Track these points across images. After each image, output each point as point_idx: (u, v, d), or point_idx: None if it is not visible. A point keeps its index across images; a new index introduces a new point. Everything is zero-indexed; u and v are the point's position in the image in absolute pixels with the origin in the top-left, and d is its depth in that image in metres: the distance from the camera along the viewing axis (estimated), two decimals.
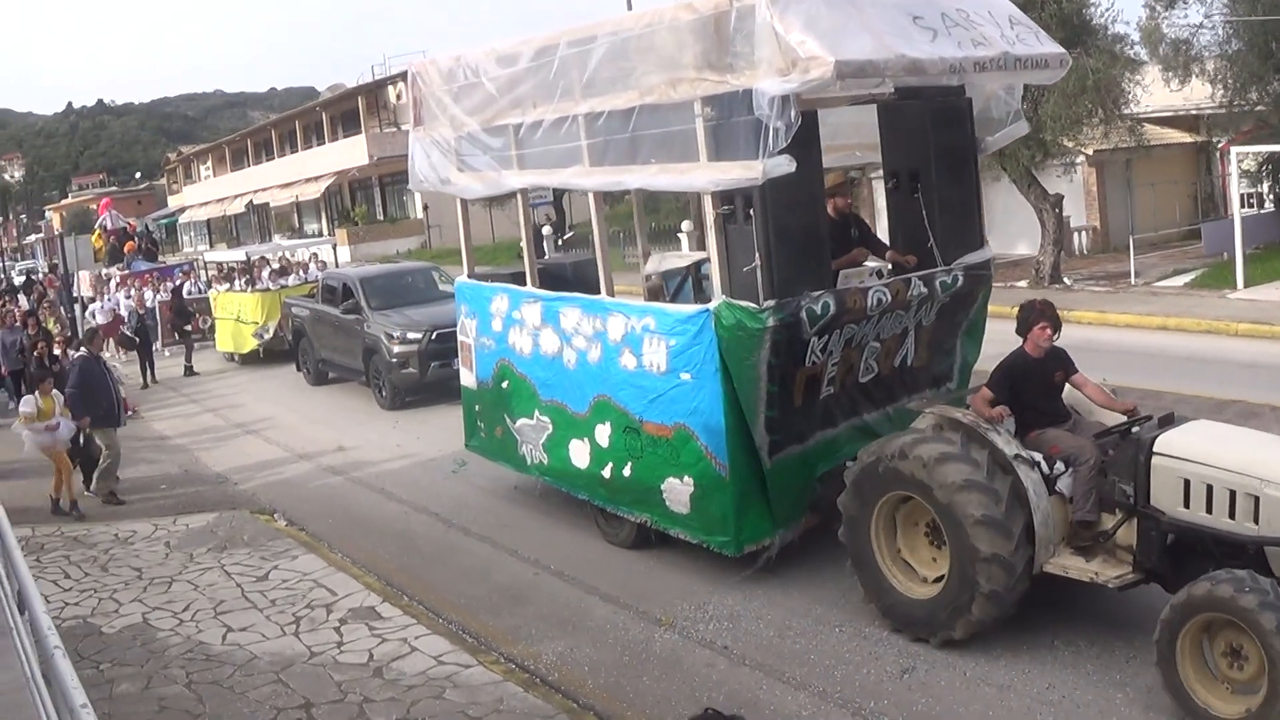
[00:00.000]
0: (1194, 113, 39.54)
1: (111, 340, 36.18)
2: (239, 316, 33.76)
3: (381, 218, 79.70)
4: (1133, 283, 31.43)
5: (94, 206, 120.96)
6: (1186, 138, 41.28)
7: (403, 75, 75.55)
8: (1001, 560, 10.20)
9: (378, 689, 11.10)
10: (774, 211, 11.46)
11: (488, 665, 11.45)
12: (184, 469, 21.43)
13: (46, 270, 73.34)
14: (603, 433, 13.95)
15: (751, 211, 11.51)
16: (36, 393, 18.95)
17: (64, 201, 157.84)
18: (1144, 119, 36.93)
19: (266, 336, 32.46)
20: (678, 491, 12.96)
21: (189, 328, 34.49)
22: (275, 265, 36.18)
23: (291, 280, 33.96)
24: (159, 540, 16.72)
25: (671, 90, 11.91)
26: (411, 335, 24.31)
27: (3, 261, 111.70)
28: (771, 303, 11.57)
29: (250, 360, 33.35)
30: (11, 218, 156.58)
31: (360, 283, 26.76)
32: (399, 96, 77.39)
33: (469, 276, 17.15)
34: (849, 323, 12.17)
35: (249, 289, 34.30)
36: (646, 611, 12.67)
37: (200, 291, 39.02)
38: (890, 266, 13.28)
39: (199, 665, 11.99)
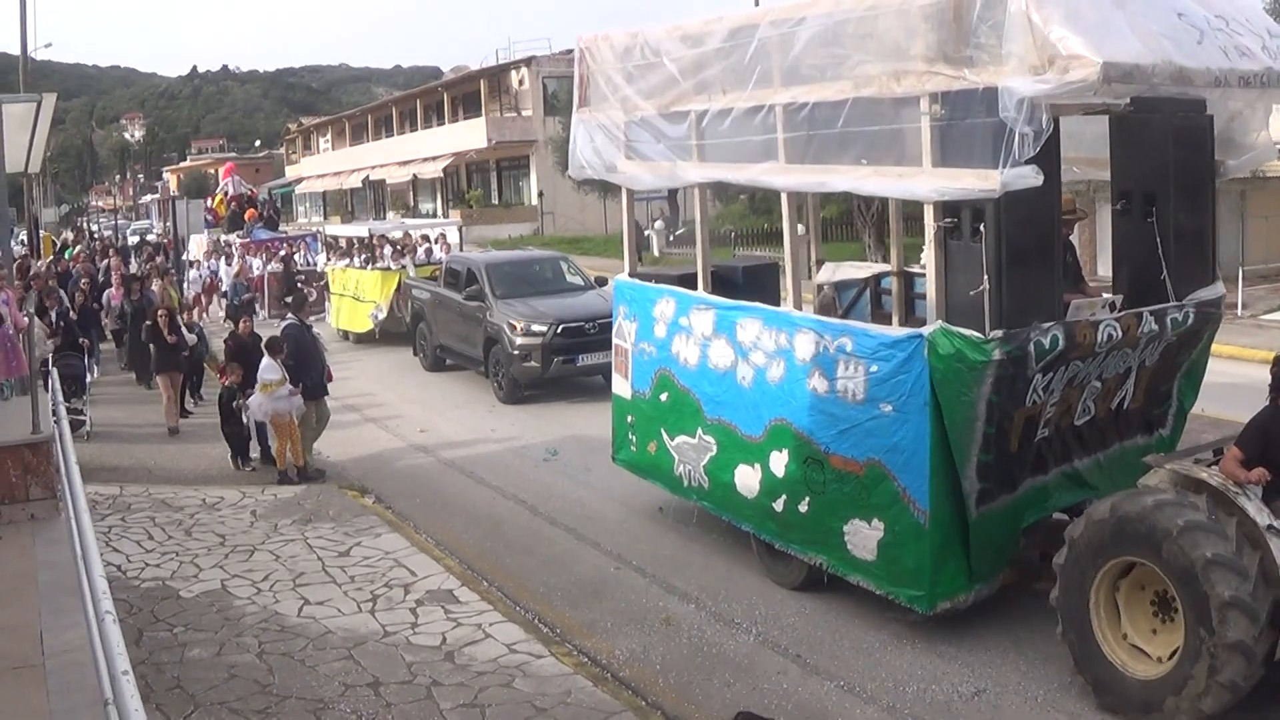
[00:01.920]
0: None
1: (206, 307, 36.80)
2: (356, 294, 33.38)
3: (496, 202, 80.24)
4: (1239, 314, 30.95)
5: (213, 171, 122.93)
6: None
7: (526, 61, 77.31)
8: (1243, 604, 8.98)
9: (447, 673, 11.10)
10: (1008, 229, 10.15)
11: (560, 657, 11.42)
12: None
13: (161, 233, 74.72)
14: (779, 461, 12.60)
15: (981, 227, 10.22)
16: (278, 360, 18.26)
17: (182, 164, 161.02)
18: None
19: (380, 317, 31.95)
20: (864, 535, 11.60)
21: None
22: (397, 246, 35.35)
23: (410, 262, 33.24)
24: (245, 508, 16.78)
25: (894, 83, 10.62)
26: (536, 327, 23.60)
27: (116, 220, 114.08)
28: (999, 333, 10.26)
29: (365, 340, 32.96)
30: (129, 177, 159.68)
31: (486, 269, 26.12)
32: (520, 82, 77.83)
33: (630, 275, 15.85)
34: (1075, 359, 10.90)
35: (369, 267, 33.56)
36: (723, 613, 12.60)
37: (310, 263, 39.10)
38: (1121, 298, 11.55)
39: (272, 636, 12.04)
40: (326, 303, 36.18)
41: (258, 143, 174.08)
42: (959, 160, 10.26)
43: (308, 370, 18.82)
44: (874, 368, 11.20)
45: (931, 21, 10.26)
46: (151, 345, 23.20)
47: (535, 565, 14.39)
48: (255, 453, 19.48)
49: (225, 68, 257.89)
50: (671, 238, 56.66)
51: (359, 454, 20.56)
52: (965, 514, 11.14)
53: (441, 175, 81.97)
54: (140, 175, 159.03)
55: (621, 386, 15.79)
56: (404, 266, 32.50)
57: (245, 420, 19.15)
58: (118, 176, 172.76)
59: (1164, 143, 11.50)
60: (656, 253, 55.36)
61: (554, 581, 13.78)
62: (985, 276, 10.22)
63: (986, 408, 10.60)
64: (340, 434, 21.99)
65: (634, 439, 15.51)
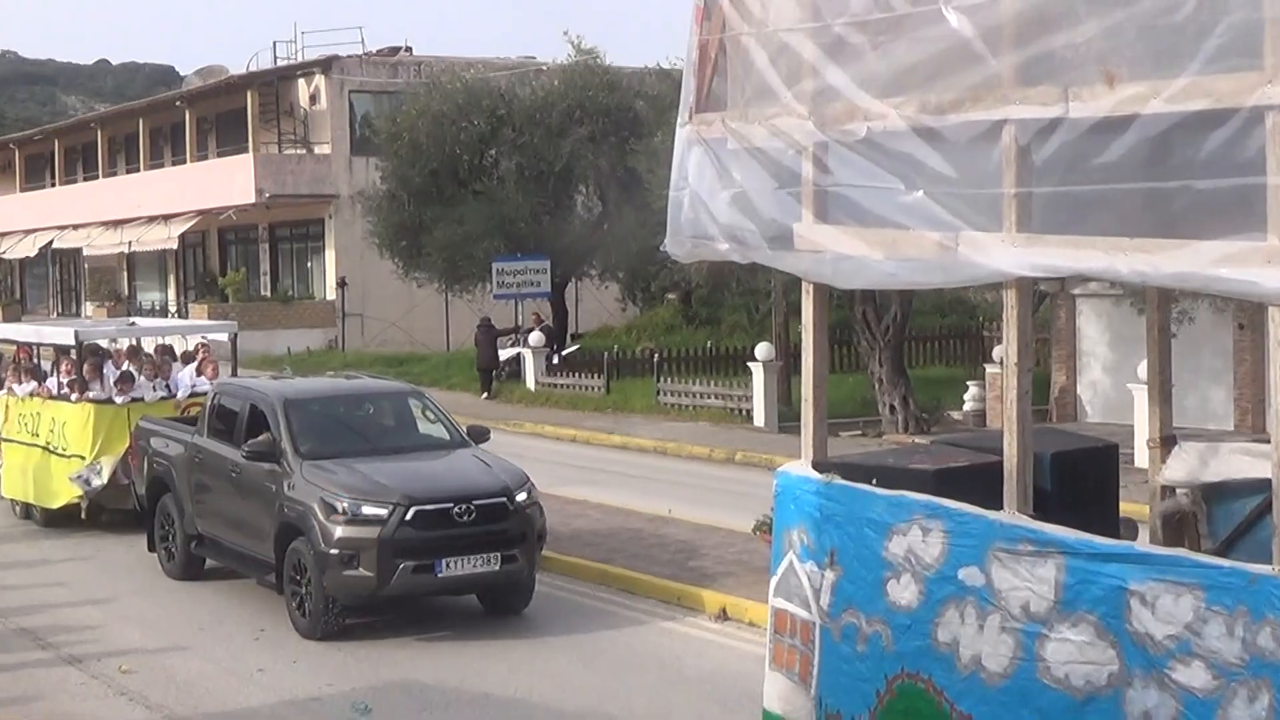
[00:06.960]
0: None
1: None
2: (47, 442, 32.44)
3: (268, 293, 79.46)
4: None
5: None
6: None
7: (323, 64, 77.21)
8: None
9: None
10: None
11: None
12: None
13: None
14: None
15: None
16: None
17: None
18: None
19: (96, 483, 30.99)
20: None
21: None
22: (129, 367, 34.03)
23: (146, 389, 32.69)
24: None
25: None
26: (369, 510, 22.55)
27: None
28: None
29: (59, 522, 32.12)
30: None
31: (284, 408, 24.88)
32: (314, 98, 77.77)
33: (814, 466, 13.12)
34: None
35: (72, 395, 32.55)
36: None
37: None
38: None
39: None
40: None
41: None
42: None
43: None
44: None
45: None
46: None
47: None
48: None
49: None
50: (556, 359, 56.01)
51: (40, 715, 20.05)
52: None
53: (177, 246, 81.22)
54: None
55: (790, 697, 13.30)
56: (139, 398, 32.03)
57: None
58: None
59: None
60: (531, 385, 54.53)
61: None
62: None
63: None
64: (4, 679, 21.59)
65: None
